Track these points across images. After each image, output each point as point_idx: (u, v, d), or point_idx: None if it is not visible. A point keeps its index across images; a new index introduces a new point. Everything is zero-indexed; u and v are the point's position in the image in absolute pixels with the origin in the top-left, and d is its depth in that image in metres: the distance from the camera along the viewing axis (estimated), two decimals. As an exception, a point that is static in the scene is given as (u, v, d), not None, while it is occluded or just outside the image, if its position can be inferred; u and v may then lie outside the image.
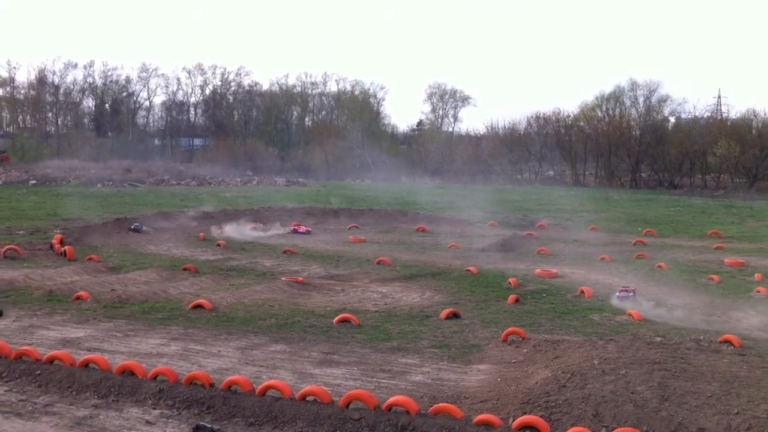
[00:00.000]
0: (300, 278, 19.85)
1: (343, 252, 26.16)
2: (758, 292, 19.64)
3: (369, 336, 14.21)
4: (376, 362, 12.46)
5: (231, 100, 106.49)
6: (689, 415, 9.13)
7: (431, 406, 9.59)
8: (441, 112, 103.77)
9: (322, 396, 9.75)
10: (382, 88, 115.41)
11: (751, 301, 18.65)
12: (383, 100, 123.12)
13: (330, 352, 13.00)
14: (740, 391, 9.88)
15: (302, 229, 32.75)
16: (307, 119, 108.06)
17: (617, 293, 18.67)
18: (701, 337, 14.01)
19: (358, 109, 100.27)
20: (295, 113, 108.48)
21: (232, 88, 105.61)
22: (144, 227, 30.20)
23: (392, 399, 9.63)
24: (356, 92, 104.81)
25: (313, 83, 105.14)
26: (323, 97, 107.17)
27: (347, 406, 9.52)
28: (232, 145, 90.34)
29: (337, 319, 15.29)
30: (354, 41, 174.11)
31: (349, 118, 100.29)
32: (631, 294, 18.46)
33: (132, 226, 29.92)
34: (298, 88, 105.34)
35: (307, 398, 9.77)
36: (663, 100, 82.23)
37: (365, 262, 23.55)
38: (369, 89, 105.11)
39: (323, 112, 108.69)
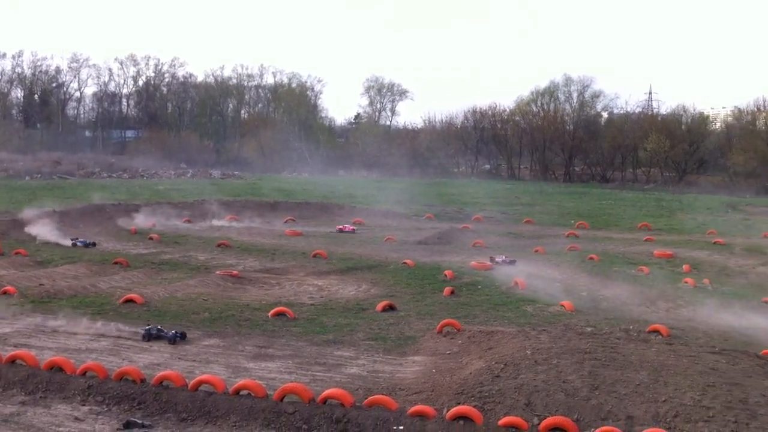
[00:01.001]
0: (235, 272, 19.62)
1: (278, 245, 25.96)
2: (686, 282, 20.19)
3: (304, 329, 14.14)
4: (311, 355, 12.40)
5: (165, 92, 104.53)
6: (618, 404, 9.31)
7: (366, 399, 9.59)
8: (379, 106, 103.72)
9: (256, 390, 9.65)
10: (319, 80, 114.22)
11: (679, 292, 19.16)
12: (321, 93, 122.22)
13: (265, 346, 12.90)
14: (668, 379, 10.11)
15: (348, 228, 31.58)
16: (243, 112, 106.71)
17: (500, 259, 22.18)
18: (630, 327, 14.33)
19: (295, 102, 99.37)
20: (230, 105, 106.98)
21: (166, 80, 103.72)
22: (89, 241, 25.05)
23: (327, 392, 9.59)
24: (293, 85, 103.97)
25: (249, 75, 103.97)
26: (259, 90, 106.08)
27: (282, 400, 9.46)
28: (166, 137, 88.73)
29: (272, 312, 15.18)
30: (291, 33, 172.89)
31: (286, 111, 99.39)
32: (514, 261, 22.02)
33: (78, 242, 24.64)
34: (234, 80, 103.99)
35: (241, 392, 9.66)
36: (596, 95, 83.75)
37: (301, 255, 23.41)
38: (306, 82, 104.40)
39: (259, 105, 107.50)
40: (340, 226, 31.76)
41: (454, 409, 9.09)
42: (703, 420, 8.92)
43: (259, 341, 13.13)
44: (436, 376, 11.13)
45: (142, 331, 13.09)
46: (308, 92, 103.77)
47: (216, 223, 33.02)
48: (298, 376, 11.17)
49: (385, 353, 12.70)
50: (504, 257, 22.87)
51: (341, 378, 11.16)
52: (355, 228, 31.66)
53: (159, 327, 13.22)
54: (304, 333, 13.85)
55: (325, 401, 9.41)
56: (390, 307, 16.05)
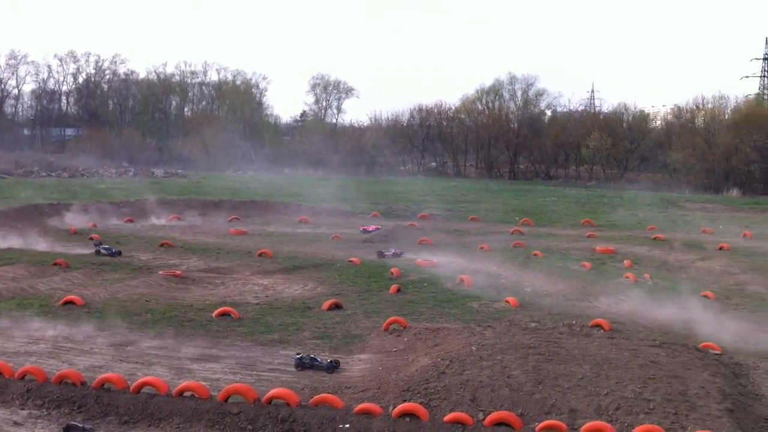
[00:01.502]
0: (178, 272, 19.34)
1: (223, 244, 25.70)
2: (627, 277, 20.60)
3: (249, 329, 14.01)
4: (256, 355, 12.30)
5: (106, 89, 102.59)
6: (562, 397, 9.44)
7: (312, 398, 9.55)
8: (324, 104, 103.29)
9: (199, 391, 9.53)
10: (264, 78, 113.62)
11: (620, 287, 19.51)
12: (266, 90, 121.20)
13: (209, 347, 12.74)
14: (609, 372, 10.30)
15: (372, 228, 30.22)
16: (186, 109, 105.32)
17: (388, 253, 23.78)
18: (574, 322, 14.58)
19: (240, 100, 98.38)
20: (173, 103, 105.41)
21: (107, 77, 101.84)
22: (115, 249, 22.84)
23: (272, 391, 9.52)
24: (238, 82, 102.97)
25: (192, 72, 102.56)
26: (203, 87, 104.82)
27: (226, 401, 9.36)
28: (107, 135, 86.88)
29: (216, 312, 15.00)
30: (235, 30, 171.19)
31: (231, 109, 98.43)
32: (401, 253, 23.82)
33: (103, 249, 22.69)
34: (177, 77, 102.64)
35: (185, 394, 9.53)
36: (540, 93, 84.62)
37: (246, 255, 23.20)
38: (251, 79, 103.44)
39: (203, 103, 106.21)
40: (365, 226, 30.86)
41: (400, 407, 9.11)
42: (644, 412, 9.09)
43: (203, 342, 12.97)
44: (383, 374, 11.14)
45: (294, 360, 11.80)
46: (253, 90, 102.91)
47: (158, 222, 32.55)
48: (243, 376, 11.06)
49: (331, 352, 12.65)
50: (393, 250, 24.26)
51: (287, 377, 11.10)
52: (379, 227, 30.76)
53: (312, 356, 11.92)
54: (249, 333, 13.73)
55: (270, 401, 9.34)
56: (336, 306, 16.01)
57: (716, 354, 12.76)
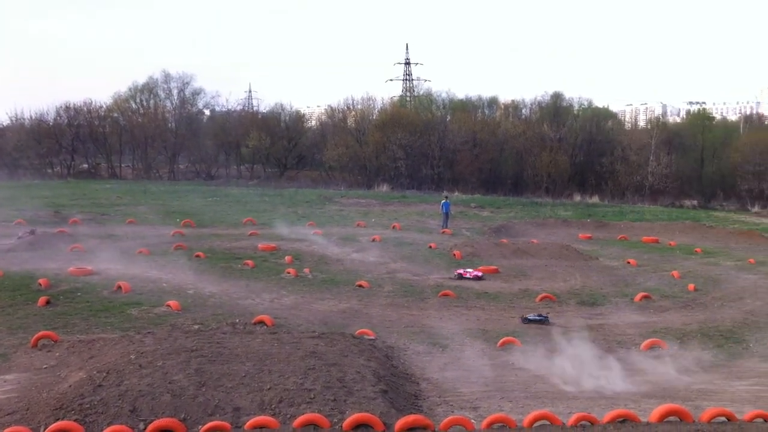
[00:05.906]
0: None
1: None
2: (288, 273, 21.20)
3: None
4: None
5: None
6: (225, 397, 9.37)
7: (-55, 430, 8.47)
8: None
9: None
10: None
11: (282, 282, 20.01)
12: None
13: None
14: (272, 367, 10.45)
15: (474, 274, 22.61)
16: None
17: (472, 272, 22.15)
18: (237, 321, 14.63)
19: None
20: None
21: None
22: None
23: None
24: None
25: None
26: None
27: None
28: None
29: None
30: None
31: None
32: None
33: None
34: None
35: None
36: (197, 93, 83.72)
37: None
38: None
39: None
40: (460, 271, 22.86)
41: (52, 426, 8.42)
42: (305, 402, 9.34)
43: None
44: (32, 394, 10.22)
45: None
46: None
47: None
48: None
49: (-32, 376, 11.33)
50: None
51: None
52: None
53: None
54: None
55: None
56: (-27, 325, 14.38)
57: (370, 339, 13.60)
